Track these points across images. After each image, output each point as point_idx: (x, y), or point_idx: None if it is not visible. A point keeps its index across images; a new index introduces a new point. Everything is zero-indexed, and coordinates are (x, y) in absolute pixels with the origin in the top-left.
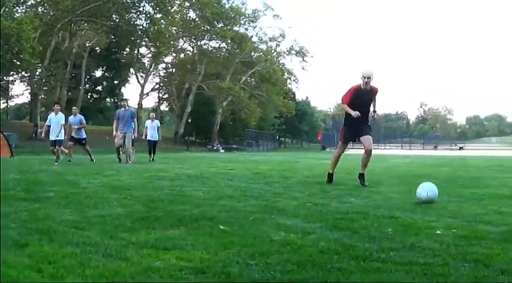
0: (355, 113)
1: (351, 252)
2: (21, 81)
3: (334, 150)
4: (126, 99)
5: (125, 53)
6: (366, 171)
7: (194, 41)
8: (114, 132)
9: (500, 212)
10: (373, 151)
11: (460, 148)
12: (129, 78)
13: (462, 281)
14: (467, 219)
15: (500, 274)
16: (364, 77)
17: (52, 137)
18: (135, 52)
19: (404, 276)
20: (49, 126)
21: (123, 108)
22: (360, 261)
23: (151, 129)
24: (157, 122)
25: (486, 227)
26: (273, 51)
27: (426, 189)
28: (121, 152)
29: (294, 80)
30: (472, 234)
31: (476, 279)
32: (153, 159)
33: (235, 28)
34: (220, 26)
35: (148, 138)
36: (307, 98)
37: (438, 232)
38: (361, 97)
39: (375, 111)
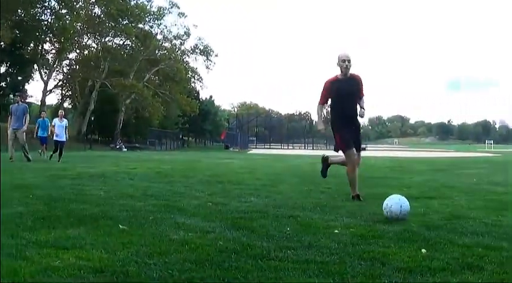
0: (321, 127)
1: (249, 251)
2: None
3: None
4: (20, 94)
5: (29, 48)
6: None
7: (98, 38)
8: (8, 129)
9: None
10: (277, 151)
11: (363, 149)
12: (33, 75)
13: (358, 279)
14: (365, 219)
15: (396, 272)
16: (344, 60)
17: None
18: (40, 48)
19: (301, 274)
20: None
21: (16, 104)
22: (258, 259)
23: (59, 128)
24: (66, 121)
25: (384, 227)
26: (177, 49)
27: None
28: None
29: (197, 79)
30: (369, 233)
31: (372, 277)
32: (50, 157)
33: (140, 25)
34: (125, 23)
35: (54, 138)
36: (211, 97)
37: (336, 231)
38: (344, 89)
39: (363, 108)
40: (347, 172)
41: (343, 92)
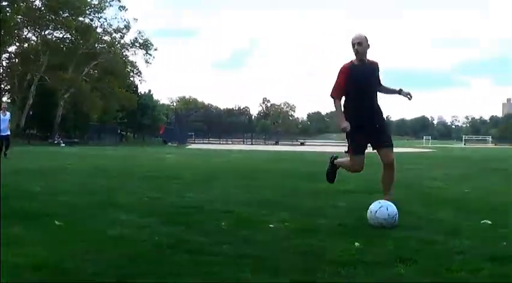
0: (345, 125)
1: (185, 245)
2: None
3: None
4: None
5: None
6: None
7: (38, 31)
8: None
9: (334, 206)
10: (215, 146)
11: (301, 143)
12: None
13: (292, 273)
14: (301, 214)
15: (329, 265)
16: (353, 44)
17: None
18: None
19: (235, 269)
20: None
21: None
22: (193, 254)
23: (3, 123)
24: (9, 114)
25: (319, 221)
26: (117, 43)
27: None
28: None
29: (136, 73)
30: (304, 227)
31: (306, 270)
32: (5, 154)
33: (81, 18)
34: (65, 15)
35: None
36: (149, 91)
37: (271, 226)
38: (363, 76)
39: (401, 90)
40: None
41: (365, 81)
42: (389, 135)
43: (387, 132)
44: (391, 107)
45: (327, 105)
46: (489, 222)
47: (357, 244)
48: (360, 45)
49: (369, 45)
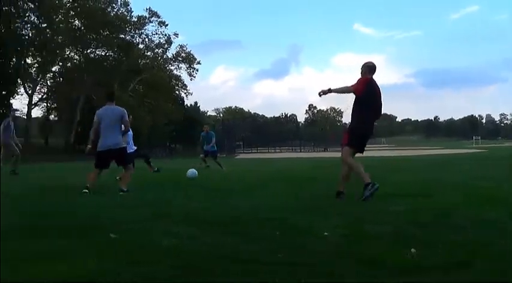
0: (324, 90)
1: (238, 255)
2: None
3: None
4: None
5: (11, 63)
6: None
7: (80, 50)
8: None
9: (388, 211)
10: (264, 155)
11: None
12: (17, 89)
13: (347, 281)
14: (353, 220)
15: (385, 272)
16: (372, 69)
17: None
18: (22, 62)
19: (290, 278)
20: None
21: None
22: (246, 264)
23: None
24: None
25: (372, 227)
26: (159, 58)
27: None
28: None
29: (181, 87)
30: (358, 233)
31: (361, 277)
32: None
33: (122, 36)
34: (106, 33)
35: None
36: (196, 103)
37: (325, 233)
38: (375, 95)
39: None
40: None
41: (375, 99)
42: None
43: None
44: (438, 108)
45: None
46: None
47: (413, 250)
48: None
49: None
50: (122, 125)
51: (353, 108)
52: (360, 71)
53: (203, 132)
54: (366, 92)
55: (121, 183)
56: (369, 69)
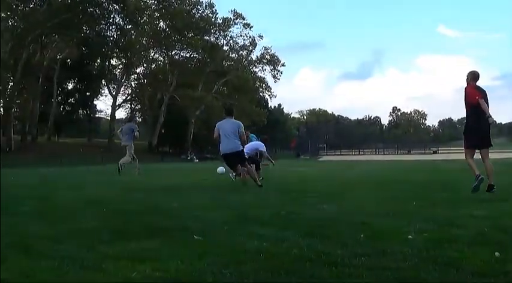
0: (491, 120)
1: (324, 258)
2: None
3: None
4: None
5: (96, 64)
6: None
7: (165, 51)
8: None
9: (472, 216)
10: (347, 158)
11: (434, 152)
12: (101, 90)
13: None
14: (439, 224)
15: (470, 276)
16: (476, 76)
17: None
18: (106, 63)
19: (375, 281)
20: None
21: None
22: (332, 267)
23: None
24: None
25: (457, 231)
26: (244, 60)
27: None
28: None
29: (266, 88)
30: (443, 237)
31: (447, 282)
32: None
33: (206, 37)
34: (190, 35)
35: None
36: (279, 105)
37: (410, 237)
38: (485, 98)
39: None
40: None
41: (487, 102)
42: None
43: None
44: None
45: (458, 111)
46: None
47: (497, 254)
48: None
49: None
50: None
51: (468, 113)
52: (466, 78)
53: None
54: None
55: (247, 180)
56: (473, 76)
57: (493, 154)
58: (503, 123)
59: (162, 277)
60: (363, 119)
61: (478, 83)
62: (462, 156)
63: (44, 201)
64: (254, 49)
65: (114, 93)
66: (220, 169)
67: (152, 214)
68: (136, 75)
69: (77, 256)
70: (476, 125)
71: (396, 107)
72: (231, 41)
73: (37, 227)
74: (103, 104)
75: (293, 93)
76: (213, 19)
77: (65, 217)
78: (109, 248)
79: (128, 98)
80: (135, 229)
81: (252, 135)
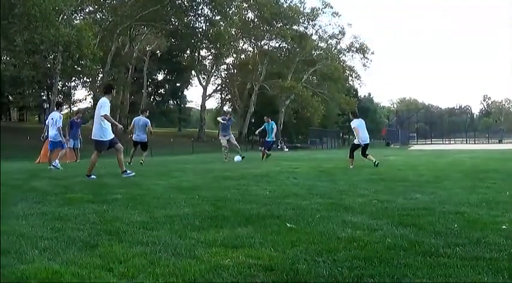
0: None
1: (417, 248)
2: (83, 87)
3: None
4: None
5: (185, 55)
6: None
7: (254, 42)
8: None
9: None
10: (438, 147)
11: None
12: (191, 80)
13: None
14: None
15: None
16: None
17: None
18: (196, 54)
19: (470, 271)
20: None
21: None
22: (426, 256)
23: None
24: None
25: None
26: (333, 48)
27: None
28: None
29: (355, 77)
30: None
31: None
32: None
33: (295, 27)
34: (279, 25)
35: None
36: (369, 94)
37: (504, 227)
38: None
39: None
40: None
41: None
42: None
43: None
44: None
45: None
46: None
47: None
48: None
49: None
50: None
51: None
52: None
53: (266, 123)
54: None
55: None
56: None
57: None
58: None
59: (255, 265)
60: (454, 107)
61: None
62: None
63: (136, 189)
64: (343, 37)
65: (204, 84)
66: (237, 158)
67: (244, 201)
68: (225, 66)
69: (169, 243)
70: None
71: (487, 95)
72: (319, 30)
73: (129, 214)
74: (192, 94)
75: (383, 82)
76: (301, 8)
77: (157, 205)
78: (201, 235)
79: (218, 88)
80: (228, 217)
81: (272, 122)
